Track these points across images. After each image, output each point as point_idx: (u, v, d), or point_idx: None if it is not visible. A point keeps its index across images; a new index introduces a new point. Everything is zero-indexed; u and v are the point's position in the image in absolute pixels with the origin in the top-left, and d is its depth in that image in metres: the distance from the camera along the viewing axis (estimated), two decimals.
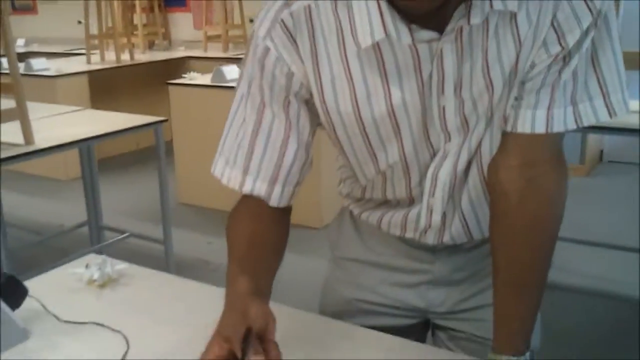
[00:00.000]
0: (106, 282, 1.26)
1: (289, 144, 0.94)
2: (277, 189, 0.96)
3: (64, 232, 3.59)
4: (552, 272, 0.94)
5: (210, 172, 1.00)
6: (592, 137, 4.74)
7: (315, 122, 0.97)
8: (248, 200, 0.97)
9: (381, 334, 1.08)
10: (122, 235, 3.37)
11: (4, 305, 1.04)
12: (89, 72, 5.22)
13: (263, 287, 0.87)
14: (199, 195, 4.22)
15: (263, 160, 0.95)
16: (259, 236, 0.94)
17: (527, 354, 0.88)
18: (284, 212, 1.00)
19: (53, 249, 3.55)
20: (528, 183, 0.87)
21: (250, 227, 0.95)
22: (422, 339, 1.19)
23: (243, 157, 0.96)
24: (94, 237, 3.46)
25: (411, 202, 1.02)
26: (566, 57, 0.83)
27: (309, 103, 0.94)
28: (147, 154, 5.44)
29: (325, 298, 1.24)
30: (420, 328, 1.18)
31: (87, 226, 3.48)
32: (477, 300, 1.11)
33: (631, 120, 2.40)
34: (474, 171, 0.95)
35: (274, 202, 0.97)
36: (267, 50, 0.90)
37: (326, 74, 0.89)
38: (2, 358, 1.01)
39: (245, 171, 0.96)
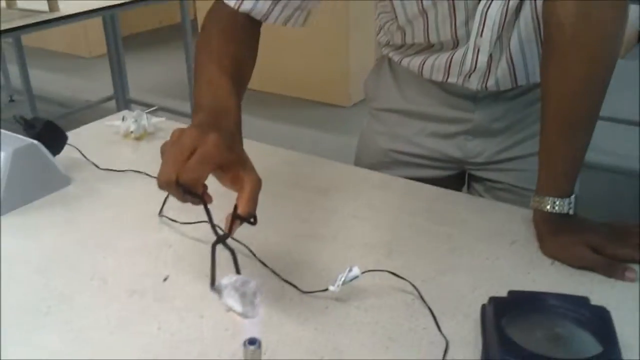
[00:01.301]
0: (143, 135, 1.27)
1: None
2: (278, 7, 0.95)
3: (91, 105, 3.60)
4: None
5: None
6: (631, 17, 4.55)
7: None
8: (225, 17, 0.94)
9: (418, 183, 1.08)
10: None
11: (45, 150, 1.04)
12: None
13: (240, 99, 0.85)
14: None
15: None
16: (239, 52, 0.91)
17: (572, 197, 0.87)
18: (257, 35, 0.97)
19: (81, 122, 3.57)
20: (585, 17, 0.83)
21: (231, 46, 0.91)
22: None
23: None
24: (121, 110, 3.47)
25: (455, 44, 0.99)
26: None
27: None
28: (170, 32, 5.37)
29: (361, 150, 1.24)
30: (455, 180, 1.18)
31: (114, 100, 3.48)
32: (517, 151, 1.10)
33: None
34: (526, 8, 0.91)
35: (271, 19, 0.96)
36: None
37: None
38: (45, 202, 1.03)
39: None
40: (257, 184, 0.72)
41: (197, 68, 0.88)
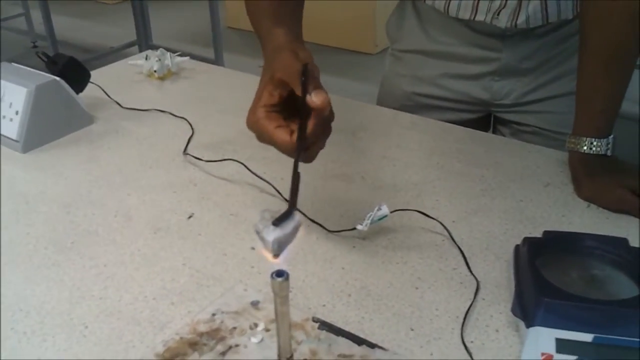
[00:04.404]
0: (166, 75, 1.25)
1: None
2: None
3: (114, 51, 3.57)
4: None
5: None
6: None
7: None
8: None
9: (448, 124, 1.05)
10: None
11: (67, 87, 1.02)
12: None
13: (300, 39, 0.79)
14: (247, 19, 4.09)
15: None
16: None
17: (610, 137, 0.84)
18: None
19: None
20: None
21: None
22: None
23: None
24: None
25: None
26: None
27: None
28: None
29: (383, 95, 1.20)
30: (480, 123, 1.14)
31: (136, 46, 3.45)
32: (545, 92, 1.06)
33: None
34: None
35: None
36: None
37: None
38: (69, 140, 1.02)
39: None
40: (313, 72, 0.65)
41: (258, 30, 0.82)
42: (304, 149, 0.65)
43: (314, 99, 0.63)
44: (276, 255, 0.53)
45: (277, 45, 0.72)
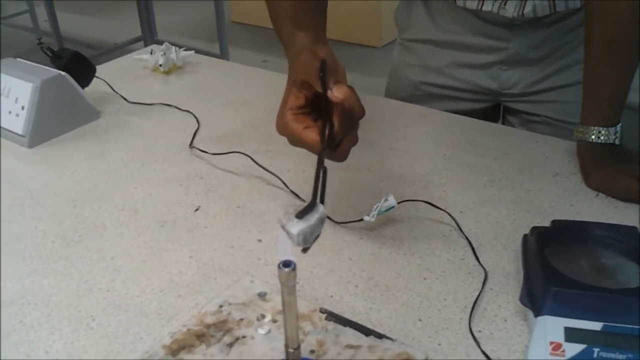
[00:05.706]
0: (171, 69, 1.25)
1: None
2: None
3: (119, 47, 3.57)
4: None
5: None
6: None
7: None
8: None
9: (455, 115, 1.04)
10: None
11: (73, 82, 1.02)
12: None
13: (323, 40, 0.78)
14: (252, 14, 4.10)
15: None
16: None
17: (618, 126, 0.83)
18: None
19: None
20: None
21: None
22: None
23: None
24: None
25: None
26: None
27: None
28: None
29: (391, 84, 1.20)
30: (489, 113, 1.14)
31: (142, 42, 3.45)
32: (554, 81, 1.05)
33: None
34: None
35: None
36: None
37: None
38: (75, 135, 1.02)
39: None
40: (336, 67, 0.65)
41: (280, 34, 0.81)
42: (334, 147, 0.64)
43: (335, 93, 0.62)
44: (304, 249, 0.52)
45: (298, 48, 0.72)
